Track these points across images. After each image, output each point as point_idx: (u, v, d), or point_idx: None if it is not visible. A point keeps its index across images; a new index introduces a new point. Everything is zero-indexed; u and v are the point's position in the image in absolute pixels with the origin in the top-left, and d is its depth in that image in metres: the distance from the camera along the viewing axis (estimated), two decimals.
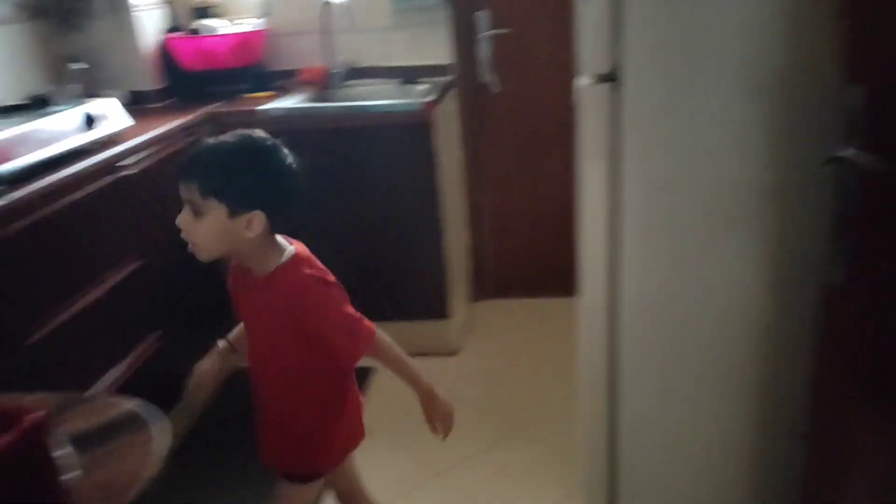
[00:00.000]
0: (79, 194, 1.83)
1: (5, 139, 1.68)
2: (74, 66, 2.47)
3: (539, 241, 3.05)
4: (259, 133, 1.32)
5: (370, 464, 2.16)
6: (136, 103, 2.61)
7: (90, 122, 1.95)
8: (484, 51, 2.74)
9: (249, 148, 1.29)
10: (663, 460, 1.47)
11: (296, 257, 1.37)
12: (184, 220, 1.30)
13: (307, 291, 1.33)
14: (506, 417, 2.34)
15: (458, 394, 2.48)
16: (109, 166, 1.96)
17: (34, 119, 1.83)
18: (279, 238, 1.37)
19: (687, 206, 1.29)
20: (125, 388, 1.97)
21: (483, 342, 2.81)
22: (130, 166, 2.05)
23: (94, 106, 2.00)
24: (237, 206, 1.25)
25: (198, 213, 1.27)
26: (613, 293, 1.38)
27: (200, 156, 1.29)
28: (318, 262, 1.41)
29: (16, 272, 1.60)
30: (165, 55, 2.74)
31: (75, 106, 1.97)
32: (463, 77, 2.84)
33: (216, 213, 1.26)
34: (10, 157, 1.67)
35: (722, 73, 1.21)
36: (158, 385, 2.21)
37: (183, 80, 2.75)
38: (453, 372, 2.62)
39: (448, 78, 2.77)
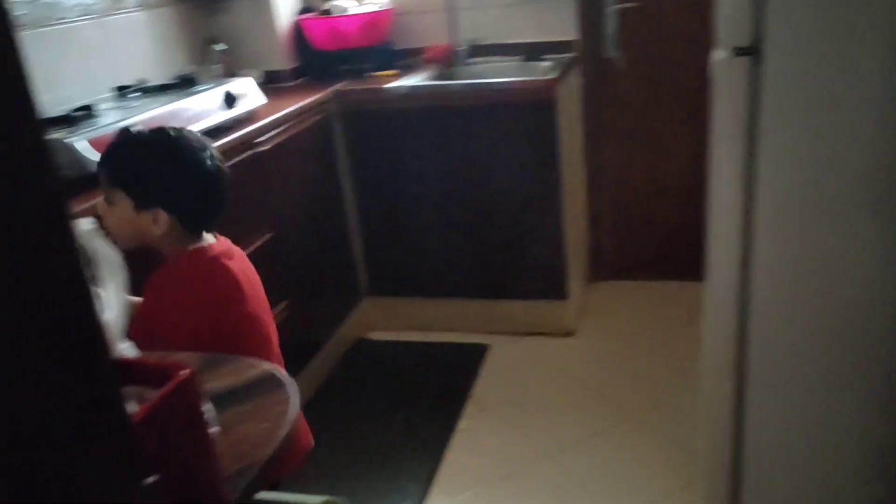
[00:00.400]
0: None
1: (155, 117, 1.81)
2: (216, 47, 2.61)
3: (661, 223, 2.96)
4: (182, 132, 1.29)
5: (480, 440, 2.20)
6: (270, 82, 2.73)
7: (230, 100, 2.06)
8: (610, 25, 2.67)
9: (162, 145, 1.25)
10: (791, 462, 1.39)
11: (182, 257, 1.31)
12: (100, 204, 1.29)
13: (154, 278, 1.30)
14: (621, 403, 2.30)
15: (572, 376, 2.47)
16: (246, 143, 2.07)
17: (182, 98, 1.96)
18: (205, 235, 1.34)
19: (828, 191, 1.21)
20: None
21: (600, 325, 2.76)
22: (264, 142, 2.15)
23: (234, 85, 2.12)
24: (140, 201, 1.24)
25: (108, 201, 1.27)
26: (744, 282, 1.32)
27: (116, 145, 1.28)
28: (216, 267, 1.33)
29: None
30: (298, 36, 2.84)
31: (217, 85, 2.09)
32: (587, 53, 2.78)
33: (123, 204, 1.25)
34: None
35: (876, 47, 1.11)
36: (286, 352, 2.33)
37: (314, 60, 2.86)
38: (569, 353, 2.60)
39: (571, 54, 2.72)
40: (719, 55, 1.27)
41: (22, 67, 0.32)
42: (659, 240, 2.98)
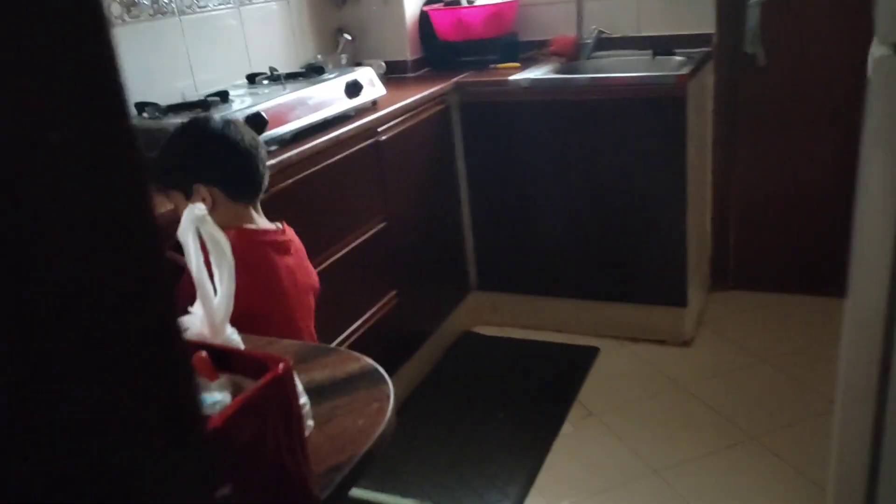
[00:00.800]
0: (338, 157, 1.98)
1: (283, 104, 1.86)
2: (343, 36, 2.66)
3: (793, 232, 2.75)
4: (199, 116, 1.36)
5: (584, 447, 2.13)
6: (393, 72, 2.75)
7: (353, 90, 2.09)
8: (751, 19, 2.50)
9: (181, 130, 1.32)
10: None
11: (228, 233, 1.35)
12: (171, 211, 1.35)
13: None
14: (739, 422, 2.15)
15: (687, 388, 2.34)
16: (366, 132, 2.09)
17: (307, 86, 1.99)
18: (259, 218, 1.37)
19: None
20: (361, 344, 2.12)
21: (719, 336, 2.61)
22: (383, 132, 2.17)
23: (357, 75, 2.14)
24: (182, 185, 1.29)
25: (176, 206, 1.33)
26: (892, 303, 1.18)
27: (154, 158, 1.33)
28: (257, 254, 1.31)
29: (288, 216, 1.77)
30: (423, 26, 2.85)
31: (341, 75, 2.12)
32: (724, 48, 2.62)
33: (178, 199, 1.31)
34: (286, 121, 1.84)
35: None
36: (392, 342, 2.36)
37: (437, 51, 2.85)
38: (684, 364, 2.47)
39: (706, 49, 2.57)
40: (878, 52, 1.13)
41: (111, 55, 0.30)
42: (791, 249, 2.78)
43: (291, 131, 1.86)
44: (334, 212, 2.00)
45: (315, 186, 1.90)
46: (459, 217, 2.71)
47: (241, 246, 1.26)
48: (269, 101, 1.84)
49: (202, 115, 1.37)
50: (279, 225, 1.38)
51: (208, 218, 0.66)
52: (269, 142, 1.78)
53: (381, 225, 2.21)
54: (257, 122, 1.72)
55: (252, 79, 2.18)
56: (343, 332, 2.06)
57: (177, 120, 1.68)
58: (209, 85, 2.19)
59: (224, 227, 1.30)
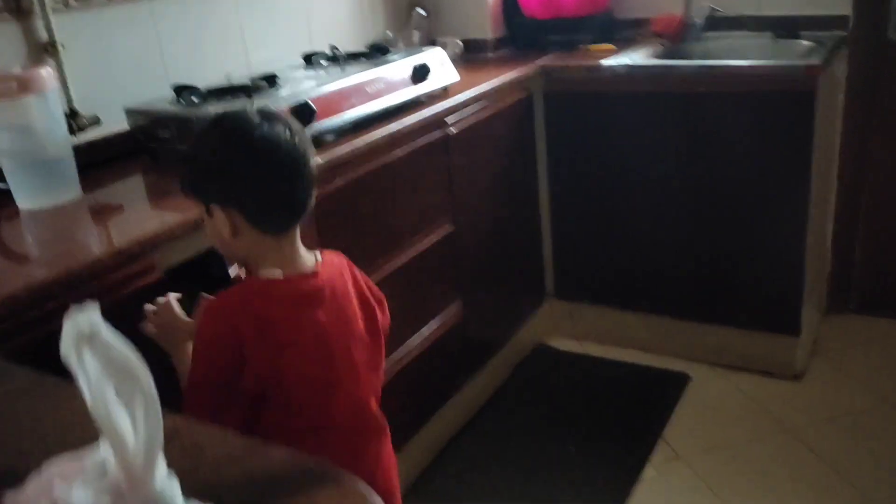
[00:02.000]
0: (399, 152, 1.73)
1: (337, 90, 1.62)
2: (417, 11, 2.39)
3: None
4: (229, 111, 1.03)
5: (671, 497, 1.83)
6: (471, 52, 2.48)
7: (419, 74, 1.83)
8: None
9: (204, 130, 1.02)
10: None
11: (237, 288, 1.05)
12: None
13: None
14: (857, 479, 1.81)
15: (796, 432, 2.00)
16: (431, 124, 1.83)
17: (367, 69, 1.75)
18: (293, 251, 1.05)
19: None
20: (422, 358, 1.88)
21: (837, 369, 2.24)
22: (453, 124, 1.90)
23: (426, 56, 1.87)
24: (201, 200, 1.01)
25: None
26: None
27: (183, 155, 1.06)
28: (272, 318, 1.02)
29: (332, 226, 1.53)
30: (508, 2, 2.55)
31: (408, 56, 1.86)
32: (861, 33, 2.21)
33: (199, 209, 1.03)
34: (340, 110, 1.60)
35: None
36: (456, 356, 2.11)
37: (521, 29, 2.55)
38: (793, 402, 2.12)
39: (839, 33, 2.18)
40: None
41: None
42: None
43: (345, 123, 1.61)
44: (394, 214, 1.76)
45: (372, 186, 1.66)
46: (537, 218, 2.42)
47: (251, 304, 1.00)
48: (322, 86, 1.60)
49: (237, 109, 1.03)
50: (316, 257, 1.08)
51: (103, 333, 0.42)
52: (319, 134, 1.54)
53: (448, 228, 1.95)
54: (304, 113, 1.49)
55: (309, 59, 1.94)
56: (402, 345, 1.82)
57: (217, 108, 1.47)
58: (265, 65, 1.97)
59: (244, 262, 1.04)
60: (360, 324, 1.10)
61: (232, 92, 1.59)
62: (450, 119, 1.89)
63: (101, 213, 1.36)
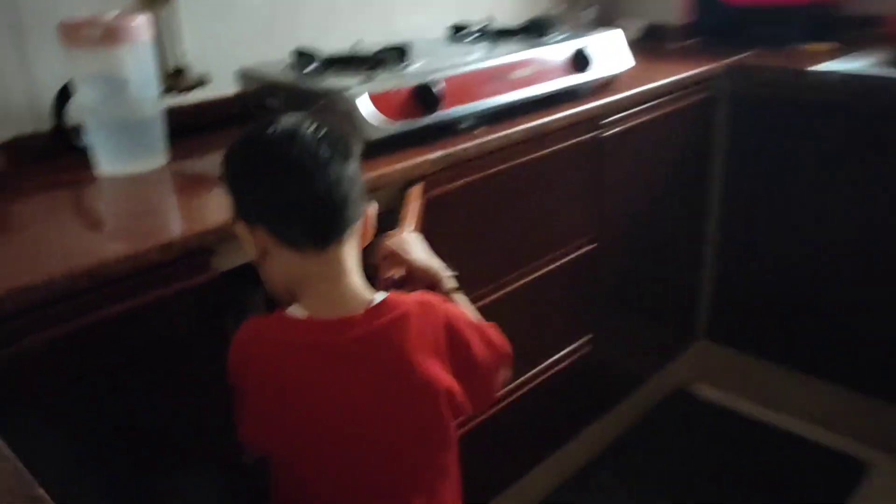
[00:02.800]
0: (539, 152, 1.44)
1: (476, 73, 1.35)
2: None
3: None
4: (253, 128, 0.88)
5: None
6: (653, 38, 2.12)
7: (579, 62, 1.52)
8: None
9: (234, 143, 0.89)
10: None
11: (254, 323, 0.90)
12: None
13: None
14: None
15: None
16: (584, 123, 1.52)
17: (519, 50, 1.46)
18: (340, 274, 0.86)
19: None
20: (542, 392, 1.61)
21: None
22: (608, 125, 1.58)
23: (590, 41, 1.56)
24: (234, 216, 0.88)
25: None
26: None
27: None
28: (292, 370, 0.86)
29: (444, 234, 1.28)
30: None
31: (570, 38, 1.55)
32: None
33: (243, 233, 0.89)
34: (473, 97, 1.34)
35: None
36: (580, 395, 1.80)
37: (717, 16, 2.14)
38: None
39: None
40: None
41: None
42: None
43: (478, 112, 1.35)
44: (522, 224, 1.48)
45: (500, 188, 1.39)
46: (699, 244, 2.04)
47: (251, 346, 0.85)
48: (458, 66, 1.34)
49: (262, 124, 0.88)
50: (375, 297, 0.86)
51: None
52: (447, 122, 1.29)
53: (588, 247, 1.65)
54: (426, 97, 1.24)
55: (456, 31, 1.69)
56: (522, 376, 1.56)
57: (332, 80, 1.25)
58: (408, 34, 1.75)
59: (284, 286, 0.86)
60: (411, 393, 0.85)
61: (354, 62, 1.37)
62: (605, 120, 1.57)
63: (183, 189, 1.19)
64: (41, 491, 0.51)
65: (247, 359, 0.86)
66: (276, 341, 0.84)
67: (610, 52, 1.60)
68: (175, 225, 1.03)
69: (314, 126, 0.85)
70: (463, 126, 1.35)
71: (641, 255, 1.84)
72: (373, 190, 1.12)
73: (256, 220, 0.84)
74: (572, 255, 1.61)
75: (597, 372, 1.79)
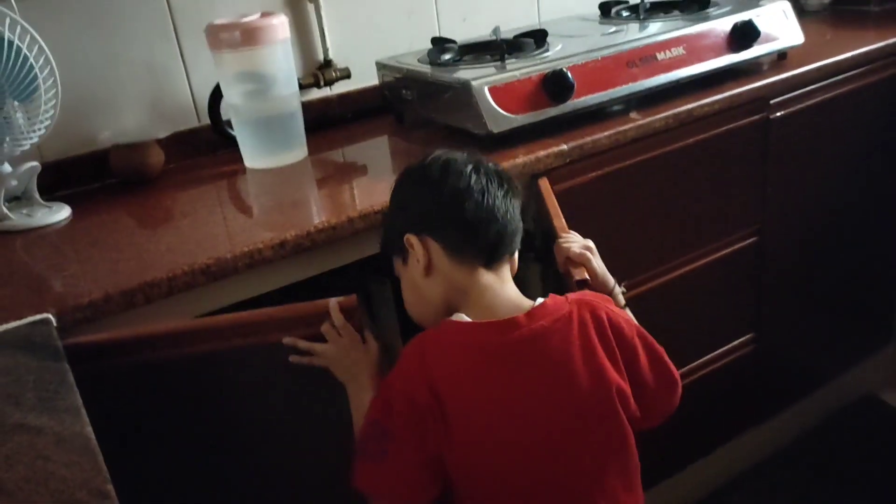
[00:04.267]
0: (693, 137, 1.32)
1: (616, 56, 1.26)
2: None
3: None
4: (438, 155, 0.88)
5: None
6: (842, 3, 1.86)
7: (742, 37, 1.37)
8: None
9: (417, 163, 0.90)
10: None
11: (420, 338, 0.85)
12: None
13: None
14: None
15: None
16: (749, 105, 1.37)
17: (674, 28, 1.35)
18: (501, 287, 0.86)
19: None
20: (704, 386, 1.52)
21: None
22: (778, 105, 1.41)
23: (758, 13, 1.40)
24: (397, 243, 0.88)
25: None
26: None
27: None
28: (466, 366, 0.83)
29: (586, 222, 1.22)
30: None
31: (733, 13, 1.40)
32: None
33: (397, 265, 0.91)
34: (619, 81, 1.25)
35: None
36: (744, 395, 1.66)
37: None
38: None
39: None
40: None
41: None
42: None
43: (615, 100, 1.26)
44: (673, 214, 1.37)
45: (649, 176, 1.30)
46: (892, 233, 1.78)
47: (425, 359, 0.80)
48: (596, 50, 1.26)
49: (440, 152, 0.88)
50: (535, 301, 0.84)
51: None
52: (576, 113, 1.22)
53: (750, 239, 1.50)
54: (555, 86, 1.18)
55: (607, 9, 1.59)
56: (683, 367, 1.47)
57: (461, 71, 1.23)
58: (558, 13, 1.68)
59: (443, 304, 0.85)
60: (581, 393, 0.81)
61: (490, 49, 1.34)
62: (774, 100, 1.40)
63: (322, 181, 1.24)
64: (110, 487, 0.55)
65: (422, 381, 0.79)
66: (448, 346, 0.82)
67: (780, 24, 1.43)
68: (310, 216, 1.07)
69: (490, 162, 0.89)
70: (621, 106, 1.28)
71: (819, 248, 1.64)
72: None
73: (433, 233, 0.85)
74: (730, 248, 1.47)
75: (763, 372, 1.64)
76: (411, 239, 0.85)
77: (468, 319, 0.82)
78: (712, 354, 1.54)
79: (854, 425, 1.84)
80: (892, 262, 1.82)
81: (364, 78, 1.46)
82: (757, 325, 1.59)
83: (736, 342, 1.57)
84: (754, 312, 1.58)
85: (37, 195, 1.12)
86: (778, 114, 1.42)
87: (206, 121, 1.32)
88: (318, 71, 1.40)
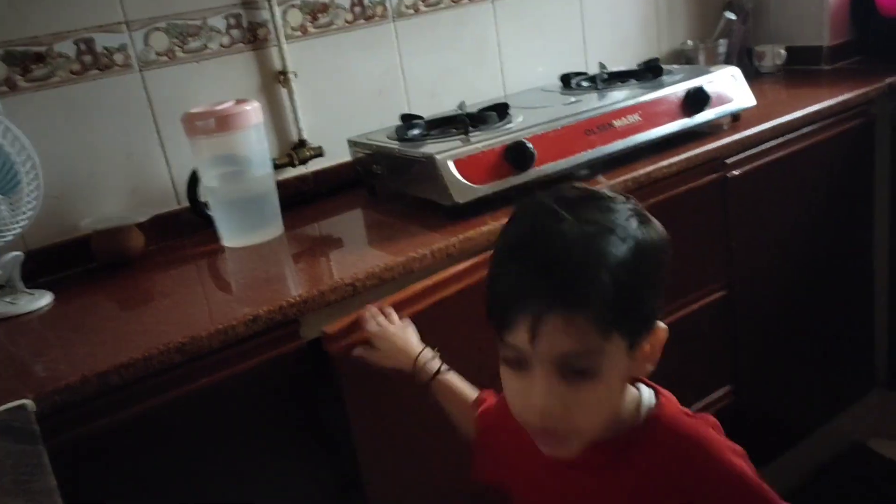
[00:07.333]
0: (654, 198, 1.38)
1: (574, 125, 1.33)
2: (725, 17, 1.95)
3: None
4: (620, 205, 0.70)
5: None
6: (798, 63, 1.96)
7: (694, 103, 1.44)
8: None
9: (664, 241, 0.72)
10: None
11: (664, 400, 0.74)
12: (553, 392, 0.65)
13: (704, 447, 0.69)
14: None
15: None
16: (706, 164, 1.44)
17: (630, 97, 1.42)
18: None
19: None
20: None
21: None
22: (735, 164, 1.48)
23: (707, 80, 1.47)
24: (642, 328, 0.69)
25: (584, 372, 0.65)
26: None
27: (579, 263, 0.64)
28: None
29: None
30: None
31: (685, 80, 1.48)
32: None
33: (616, 356, 0.66)
34: (577, 148, 1.32)
35: None
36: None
37: (876, 33, 1.94)
38: None
39: None
40: None
41: None
42: None
43: (576, 165, 1.32)
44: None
45: None
46: (868, 283, 1.83)
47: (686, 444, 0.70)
48: (556, 120, 1.32)
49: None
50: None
51: None
52: (539, 181, 1.27)
53: (719, 293, 1.54)
54: (521, 154, 1.24)
55: (567, 80, 1.67)
56: None
57: (427, 146, 1.29)
58: (522, 86, 1.76)
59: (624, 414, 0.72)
60: None
61: (454, 123, 1.40)
62: (730, 159, 1.47)
63: (298, 256, 1.28)
64: None
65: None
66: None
67: (730, 88, 1.50)
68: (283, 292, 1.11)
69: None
70: (587, 171, 1.33)
71: (790, 298, 1.68)
72: (459, 253, 1.14)
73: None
74: (699, 303, 1.51)
75: (743, 426, 1.64)
76: (664, 331, 0.71)
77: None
78: (694, 407, 1.56)
79: (841, 479, 1.84)
80: (867, 309, 1.86)
81: (337, 155, 1.52)
82: (735, 377, 1.61)
83: (714, 396, 1.59)
84: (730, 364, 1.61)
85: (20, 283, 1.16)
86: (735, 172, 1.48)
87: (186, 203, 1.36)
88: (293, 151, 1.46)
